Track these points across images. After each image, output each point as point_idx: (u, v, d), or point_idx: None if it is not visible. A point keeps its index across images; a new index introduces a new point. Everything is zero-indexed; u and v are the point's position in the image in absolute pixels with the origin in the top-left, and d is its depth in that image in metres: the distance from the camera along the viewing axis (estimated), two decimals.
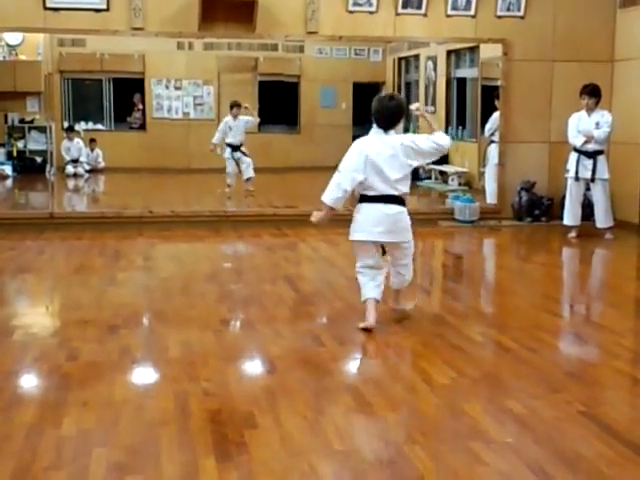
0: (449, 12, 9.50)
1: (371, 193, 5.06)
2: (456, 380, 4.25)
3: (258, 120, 12.89)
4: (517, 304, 6.16)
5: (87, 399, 3.89)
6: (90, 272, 7.12)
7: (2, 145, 14.87)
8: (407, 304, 5.54)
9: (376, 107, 5.09)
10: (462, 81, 14.05)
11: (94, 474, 3.12)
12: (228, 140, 12.16)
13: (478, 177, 12.48)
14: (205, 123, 16.12)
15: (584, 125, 8.68)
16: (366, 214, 5.09)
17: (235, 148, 12.14)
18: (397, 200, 5.09)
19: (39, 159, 15.00)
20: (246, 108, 12.39)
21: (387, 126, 5.05)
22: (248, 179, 12.13)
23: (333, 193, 5.07)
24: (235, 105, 12.33)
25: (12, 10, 8.82)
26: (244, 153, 12.20)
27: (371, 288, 5.18)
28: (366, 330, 5.08)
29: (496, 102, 10.14)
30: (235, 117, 12.18)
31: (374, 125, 5.13)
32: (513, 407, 3.84)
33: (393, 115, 5.08)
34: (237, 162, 12.18)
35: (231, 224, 9.31)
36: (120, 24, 9.07)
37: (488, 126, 10.36)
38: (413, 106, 5.42)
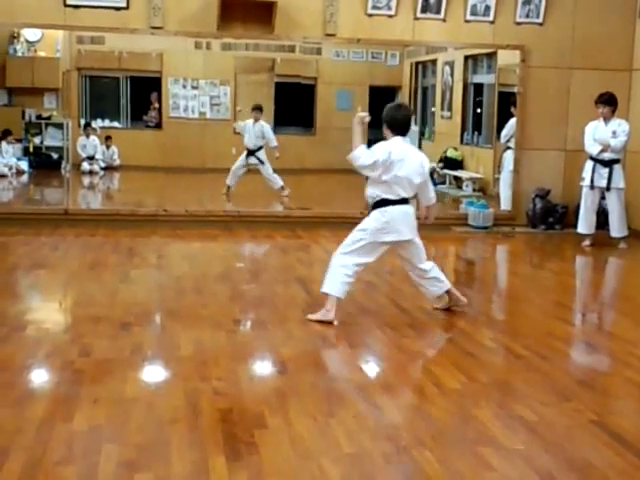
0: (468, 17, 9.49)
1: (393, 197, 5.26)
2: (466, 385, 4.24)
3: (275, 145, 12.22)
4: (529, 311, 6.15)
5: (98, 395, 3.91)
6: (103, 269, 7.15)
7: (19, 141, 14.92)
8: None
9: (403, 115, 5.37)
10: (479, 87, 14.02)
11: (104, 470, 3.13)
12: (245, 142, 12.14)
13: (493, 183, 12.43)
14: (221, 123, 16.17)
15: (600, 134, 8.65)
16: (394, 216, 5.27)
17: (250, 152, 12.10)
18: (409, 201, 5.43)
19: (55, 155, 15.09)
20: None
21: (406, 133, 5.35)
22: (281, 188, 11.92)
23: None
24: (256, 108, 12.24)
25: (32, 7, 8.86)
26: (259, 159, 11.98)
27: (347, 289, 5.32)
28: (328, 323, 5.22)
29: (512, 109, 10.11)
30: (256, 120, 12.13)
31: (392, 132, 5.33)
32: (523, 414, 3.83)
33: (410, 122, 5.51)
34: (249, 169, 12.06)
35: (244, 224, 9.31)
36: (139, 23, 9.11)
37: (504, 132, 10.33)
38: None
